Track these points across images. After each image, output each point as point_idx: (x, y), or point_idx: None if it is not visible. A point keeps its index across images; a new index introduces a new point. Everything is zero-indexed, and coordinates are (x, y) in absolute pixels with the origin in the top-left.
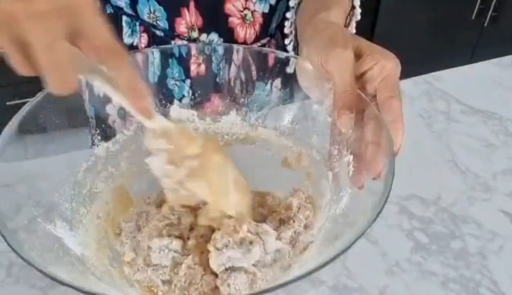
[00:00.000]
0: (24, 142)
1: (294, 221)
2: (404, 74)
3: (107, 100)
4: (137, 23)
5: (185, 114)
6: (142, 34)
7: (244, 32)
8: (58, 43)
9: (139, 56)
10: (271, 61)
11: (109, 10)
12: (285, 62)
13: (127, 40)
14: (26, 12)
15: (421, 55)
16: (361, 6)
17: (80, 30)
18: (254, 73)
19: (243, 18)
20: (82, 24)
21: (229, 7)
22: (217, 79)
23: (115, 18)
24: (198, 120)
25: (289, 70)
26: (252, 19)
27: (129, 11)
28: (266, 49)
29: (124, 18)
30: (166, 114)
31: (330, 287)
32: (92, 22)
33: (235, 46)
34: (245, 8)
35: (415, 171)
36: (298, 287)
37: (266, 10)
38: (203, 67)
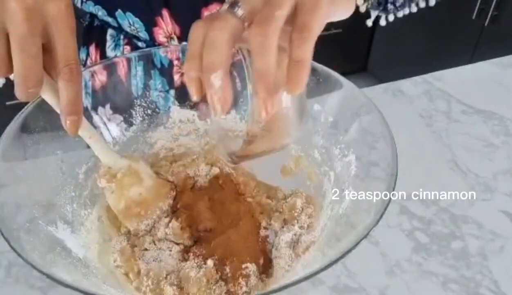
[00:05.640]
0: (24, 143)
1: (297, 221)
2: (404, 74)
3: None
4: (121, 36)
5: (186, 115)
6: (125, 47)
7: None
8: (35, 39)
9: (121, 70)
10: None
11: (96, 22)
12: None
13: (110, 53)
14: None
15: (421, 55)
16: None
17: (50, 37)
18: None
19: None
20: (55, 29)
21: (206, 15)
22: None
23: (101, 32)
24: (198, 121)
25: None
26: None
27: (115, 24)
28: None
29: (110, 31)
30: (167, 116)
31: (330, 287)
32: (62, 33)
33: None
34: None
35: (415, 171)
36: (298, 287)
37: None
38: None
